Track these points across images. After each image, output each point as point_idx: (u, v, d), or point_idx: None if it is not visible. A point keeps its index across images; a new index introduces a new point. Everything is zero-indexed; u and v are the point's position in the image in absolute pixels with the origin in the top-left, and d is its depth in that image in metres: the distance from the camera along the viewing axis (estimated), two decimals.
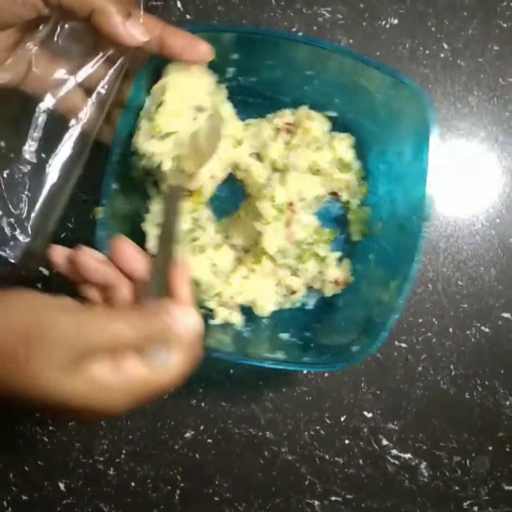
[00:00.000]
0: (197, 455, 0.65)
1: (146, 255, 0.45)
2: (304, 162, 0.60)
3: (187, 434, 0.65)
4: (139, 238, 0.58)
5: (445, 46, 0.64)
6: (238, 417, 0.64)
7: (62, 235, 0.64)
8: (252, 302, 0.60)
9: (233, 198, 0.64)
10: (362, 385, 0.64)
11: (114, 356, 0.38)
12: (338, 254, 0.62)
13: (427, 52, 0.64)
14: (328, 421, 0.65)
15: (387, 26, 0.64)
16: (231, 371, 0.64)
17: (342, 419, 0.65)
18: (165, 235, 0.48)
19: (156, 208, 0.59)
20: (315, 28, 0.64)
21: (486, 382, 0.64)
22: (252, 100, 0.63)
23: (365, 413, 0.65)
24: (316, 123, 0.60)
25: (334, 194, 0.63)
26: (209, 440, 0.65)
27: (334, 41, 0.64)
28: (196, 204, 0.59)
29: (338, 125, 0.62)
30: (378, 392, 0.64)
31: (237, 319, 0.60)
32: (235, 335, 0.60)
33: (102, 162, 0.63)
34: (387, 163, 0.60)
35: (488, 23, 0.65)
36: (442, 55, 0.64)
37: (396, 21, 0.64)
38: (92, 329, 0.37)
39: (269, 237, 0.57)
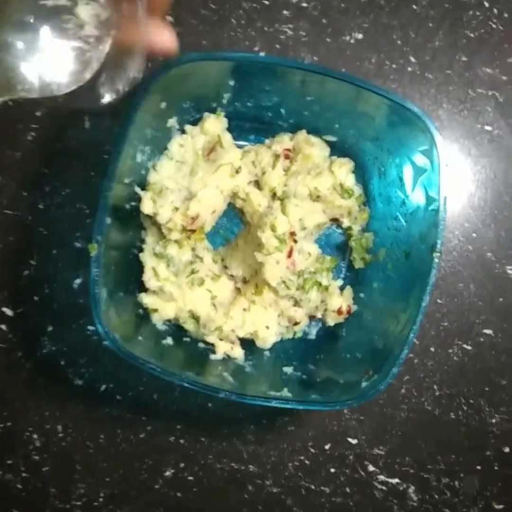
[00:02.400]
0: (178, 494, 0.62)
1: None
2: (304, 189, 0.58)
3: (167, 473, 0.62)
4: (134, 269, 0.56)
5: (412, 59, 0.63)
6: (219, 452, 0.62)
7: (24, 273, 0.61)
8: (253, 334, 0.58)
9: (230, 226, 0.62)
10: (345, 411, 0.63)
11: None
12: (340, 282, 0.60)
13: (393, 66, 0.63)
14: (312, 450, 0.63)
15: (352, 41, 0.62)
16: (209, 404, 0.62)
17: (327, 447, 0.63)
18: None
19: (151, 238, 0.57)
20: (278, 46, 0.62)
21: (471, 401, 0.63)
22: (249, 125, 0.60)
23: (350, 439, 0.63)
24: (316, 149, 0.58)
25: (335, 220, 0.61)
26: (190, 478, 0.62)
27: (298, 58, 0.62)
28: (198, 241, 0.57)
29: (337, 150, 0.60)
30: (361, 417, 0.63)
31: (238, 353, 0.58)
32: (237, 370, 0.57)
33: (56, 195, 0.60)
34: (389, 188, 0.58)
35: (455, 34, 0.63)
36: (409, 68, 0.63)
37: (360, 36, 0.62)
38: None
39: (271, 268, 0.55)
